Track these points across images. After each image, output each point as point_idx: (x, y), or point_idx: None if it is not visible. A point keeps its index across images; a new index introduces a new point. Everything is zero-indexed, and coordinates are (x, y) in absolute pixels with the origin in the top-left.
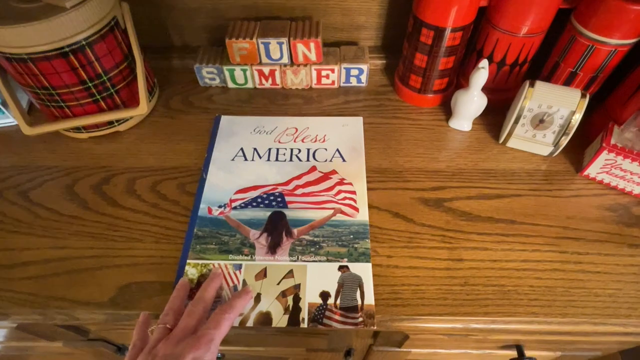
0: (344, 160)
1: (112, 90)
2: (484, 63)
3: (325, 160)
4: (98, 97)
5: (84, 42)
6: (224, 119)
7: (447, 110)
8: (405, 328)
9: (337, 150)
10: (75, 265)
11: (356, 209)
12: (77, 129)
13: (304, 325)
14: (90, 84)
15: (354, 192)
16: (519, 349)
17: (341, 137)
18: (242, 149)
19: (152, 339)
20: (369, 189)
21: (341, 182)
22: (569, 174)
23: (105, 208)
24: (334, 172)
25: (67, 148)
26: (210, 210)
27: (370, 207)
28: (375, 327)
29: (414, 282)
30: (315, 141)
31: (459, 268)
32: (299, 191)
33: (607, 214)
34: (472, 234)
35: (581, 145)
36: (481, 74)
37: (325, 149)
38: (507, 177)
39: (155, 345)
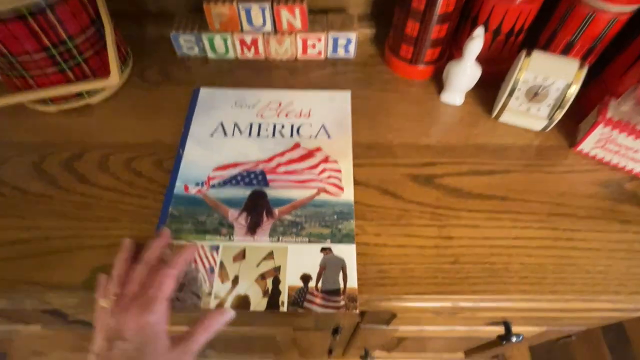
0: (329, 137)
1: (79, 59)
2: (479, 31)
3: (310, 137)
4: (64, 65)
5: (43, 4)
6: (203, 92)
7: (438, 83)
8: (393, 308)
9: (323, 126)
10: (45, 246)
11: (341, 188)
12: (44, 102)
13: (284, 309)
14: (54, 51)
15: (339, 171)
16: (507, 325)
17: (327, 112)
18: (221, 123)
19: (105, 315)
20: (356, 165)
21: (326, 159)
22: (562, 149)
23: (77, 186)
24: (318, 149)
25: (35, 123)
26: (186, 188)
27: (357, 184)
28: (357, 311)
29: (402, 261)
30: (300, 116)
31: (448, 246)
32: (282, 169)
33: (600, 190)
34: (462, 210)
35: (575, 119)
36: (476, 43)
37: (310, 125)
38: (499, 153)
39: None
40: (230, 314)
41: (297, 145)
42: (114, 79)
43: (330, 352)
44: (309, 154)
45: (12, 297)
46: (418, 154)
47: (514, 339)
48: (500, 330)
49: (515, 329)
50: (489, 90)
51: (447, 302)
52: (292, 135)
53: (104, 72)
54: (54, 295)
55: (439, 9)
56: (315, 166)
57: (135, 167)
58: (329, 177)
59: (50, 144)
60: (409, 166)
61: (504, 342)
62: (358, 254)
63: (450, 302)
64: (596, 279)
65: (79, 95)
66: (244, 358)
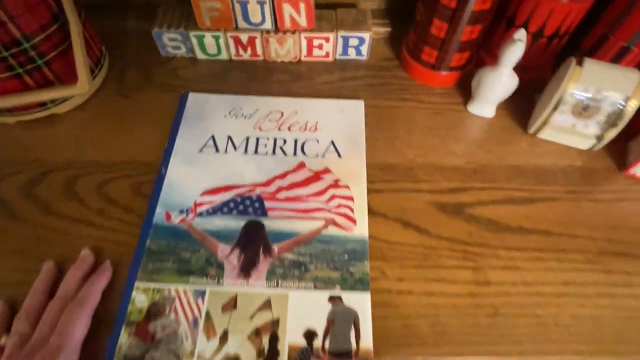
0: (339, 156)
1: (39, 62)
2: (521, 34)
3: (317, 155)
4: (20, 70)
5: None
6: (192, 98)
7: (464, 92)
8: None
9: (332, 142)
10: None
11: (353, 221)
12: (0, 112)
13: None
14: (5, 53)
15: (350, 198)
16: None
17: (337, 126)
18: (213, 136)
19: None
20: (372, 190)
21: (335, 184)
22: (611, 173)
23: (37, 216)
24: (326, 170)
25: None
26: (168, 217)
27: (373, 214)
28: None
29: (431, 313)
30: (305, 130)
31: (486, 294)
32: (282, 194)
33: None
34: (499, 248)
35: (623, 137)
36: (517, 48)
37: (317, 141)
38: (539, 176)
39: None
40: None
41: (301, 166)
42: (82, 86)
43: None
44: (315, 177)
45: None
46: (444, 177)
47: None
48: None
49: None
50: (523, 99)
51: None
52: (295, 153)
53: (72, 76)
54: None
55: (473, 5)
56: (323, 192)
57: (108, 192)
58: (339, 205)
59: (7, 163)
60: (434, 192)
61: None
62: (375, 303)
63: None
64: None
65: (42, 104)
66: None
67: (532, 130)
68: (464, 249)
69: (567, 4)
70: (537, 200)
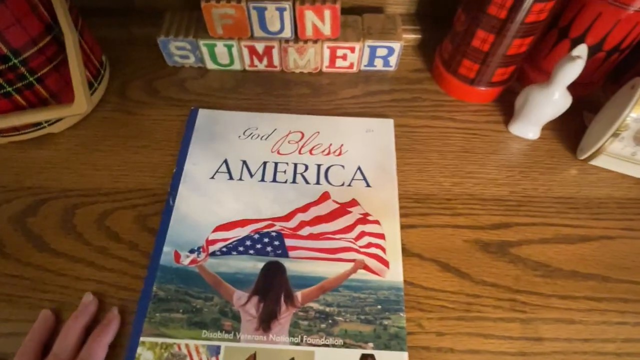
0: (368, 185)
1: (30, 79)
2: (582, 50)
3: (343, 184)
4: (9, 88)
5: None
6: (203, 115)
7: (503, 108)
8: None
9: (359, 168)
10: None
11: (385, 263)
12: None
13: None
14: None
15: (382, 236)
16: None
17: (364, 149)
18: (226, 161)
19: None
20: (405, 226)
21: (364, 219)
22: None
23: (31, 254)
24: (354, 202)
25: None
26: (177, 257)
27: (409, 254)
28: None
29: None
30: (329, 153)
31: (538, 352)
32: (305, 231)
33: None
34: (551, 297)
35: None
36: (575, 67)
37: (343, 167)
38: (592, 210)
39: None
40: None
41: (325, 197)
42: (80, 106)
43: None
44: (342, 210)
45: None
46: (486, 211)
47: None
48: None
49: None
50: (570, 119)
51: None
52: (318, 181)
53: (68, 92)
54: None
55: (526, 16)
56: (351, 228)
57: (111, 226)
58: (369, 244)
59: None
60: (475, 228)
61: None
62: None
63: None
64: None
65: (36, 124)
66: None
67: (583, 156)
68: (511, 298)
69: (635, 14)
70: (592, 238)
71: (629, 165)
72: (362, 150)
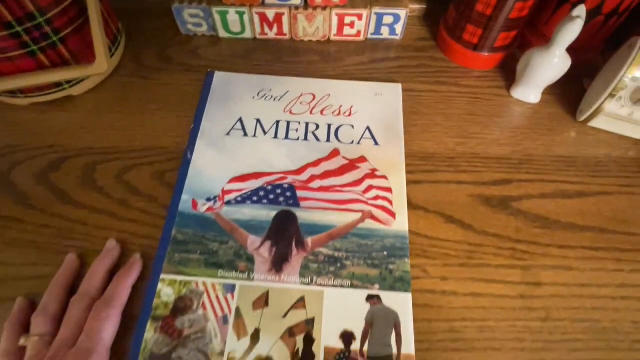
0: (376, 144)
1: (54, 39)
2: (581, 10)
3: (352, 142)
4: (34, 47)
5: None
6: (219, 77)
7: (505, 74)
8: None
9: (368, 128)
10: (13, 288)
11: (392, 214)
12: (12, 93)
13: None
14: (19, 28)
15: (389, 190)
16: None
17: (373, 111)
18: (240, 119)
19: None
20: (411, 182)
21: (372, 174)
22: None
23: (55, 206)
24: (362, 159)
25: (1, 119)
26: (195, 205)
27: (415, 207)
28: None
29: (478, 316)
30: (339, 114)
31: (537, 296)
32: (316, 184)
33: None
34: (550, 246)
35: None
36: (575, 27)
37: (352, 127)
38: (590, 168)
39: None
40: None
41: (335, 153)
42: (101, 66)
43: None
44: (351, 166)
45: None
46: (488, 168)
47: None
48: None
49: None
50: (570, 84)
51: None
52: (328, 139)
53: (88, 55)
54: None
55: None
56: (359, 182)
57: (130, 181)
58: (376, 197)
59: (20, 148)
60: (478, 184)
61: None
62: (417, 305)
63: None
64: None
65: (57, 85)
66: None
67: (582, 117)
68: (512, 247)
69: None
70: (589, 194)
71: (626, 126)
72: (371, 112)
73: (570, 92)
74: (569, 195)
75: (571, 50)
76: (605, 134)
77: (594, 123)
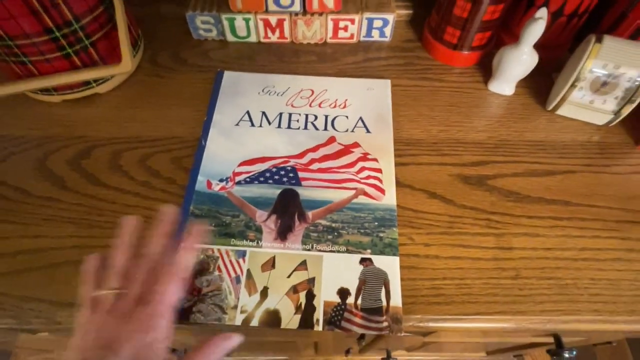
0: (368, 131)
1: (86, 42)
2: (542, 12)
3: (346, 130)
4: (69, 50)
5: None
6: (227, 76)
7: (484, 71)
8: (450, 329)
9: (360, 118)
10: (53, 257)
11: (382, 191)
12: (47, 91)
13: (319, 327)
14: (57, 34)
15: (379, 170)
16: (557, 338)
17: (365, 103)
18: (248, 112)
19: (98, 315)
20: (399, 164)
21: (364, 157)
22: (627, 147)
23: (87, 187)
24: (356, 144)
25: (36, 114)
26: (209, 185)
27: (402, 185)
28: (402, 334)
29: (457, 275)
30: (335, 107)
31: (508, 258)
32: (315, 166)
33: None
34: (521, 217)
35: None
36: (537, 26)
37: (347, 117)
38: (558, 150)
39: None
40: (235, 340)
41: (332, 140)
42: (127, 65)
43: (348, 351)
44: (346, 150)
45: (18, 316)
46: (467, 152)
47: (566, 355)
48: (545, 340)
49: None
50: (541, 78)
51: (510, 322)
52: (326, 128)
53: (114, 57)
54: (64, 314)
55: None
56: (353, 164)
57: (151, 166)
58: (368, 177)
59: (55, 139)
60: (457, 165)
61: (555, 357)
62: (404, 266)
63: (514, 323)
64: None
65: (86, 83)
66: (257, 356)
67: (550, 107)
68: (487, 218)
69: None
70: (557, 172)
71: (589, 113)
72: (363, 104)
73: (541, 85)
74: (538, 174)
75: (540, 47)
76: (571, 121)
77: (560, 111)
